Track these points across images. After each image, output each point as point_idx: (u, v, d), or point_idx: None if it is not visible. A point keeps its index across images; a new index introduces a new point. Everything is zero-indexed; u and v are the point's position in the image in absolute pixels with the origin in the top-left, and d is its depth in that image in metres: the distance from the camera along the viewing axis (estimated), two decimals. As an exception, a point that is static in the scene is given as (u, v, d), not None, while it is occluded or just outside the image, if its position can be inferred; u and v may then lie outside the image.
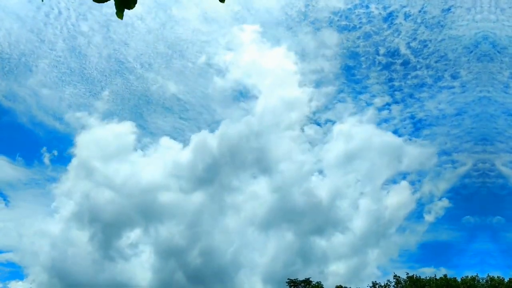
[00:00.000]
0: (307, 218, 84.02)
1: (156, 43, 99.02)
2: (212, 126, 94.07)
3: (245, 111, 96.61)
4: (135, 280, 78.51)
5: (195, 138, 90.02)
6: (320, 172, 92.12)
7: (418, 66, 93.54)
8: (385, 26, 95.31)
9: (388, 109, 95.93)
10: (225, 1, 5.58)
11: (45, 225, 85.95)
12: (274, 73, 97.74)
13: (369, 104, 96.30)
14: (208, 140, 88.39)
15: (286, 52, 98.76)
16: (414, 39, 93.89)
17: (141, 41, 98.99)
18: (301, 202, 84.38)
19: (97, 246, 79.86)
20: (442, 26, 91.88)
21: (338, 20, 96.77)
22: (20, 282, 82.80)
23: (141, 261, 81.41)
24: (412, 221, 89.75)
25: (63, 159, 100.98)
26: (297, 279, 61.62)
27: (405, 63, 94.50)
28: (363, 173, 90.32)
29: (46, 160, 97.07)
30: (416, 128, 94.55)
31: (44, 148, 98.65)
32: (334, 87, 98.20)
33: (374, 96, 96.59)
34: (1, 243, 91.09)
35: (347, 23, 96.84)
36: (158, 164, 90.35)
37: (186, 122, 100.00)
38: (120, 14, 5.25)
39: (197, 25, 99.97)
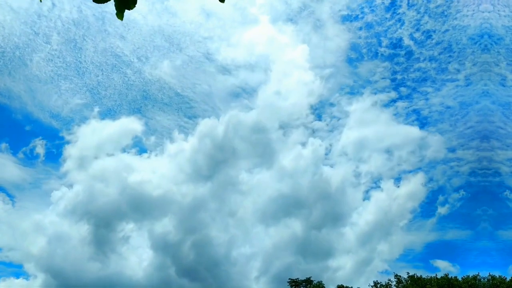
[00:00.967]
0: (309, 211, 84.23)
1: (153, 36, 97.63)
2: (213, 118, 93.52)
3: (246, 104, 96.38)
4: (135, 278, 78.61)
5: (194, 132, 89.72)
6: (318, 167, 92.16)
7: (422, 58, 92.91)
8: (387, 15, 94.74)
9: (393, 102, 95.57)
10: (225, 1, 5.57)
11: (41, 221, 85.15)
12: (277, 65, 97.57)
13: (372, 95, 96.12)
14: (207, 133, 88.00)
15: (288, 43, 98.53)
16: (417, 29, 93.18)
17: (138, 35, 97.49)
18: (303, 195, 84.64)
19: (95, 241, 79.59)
20: (446, 16, 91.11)
21: (339, 10, 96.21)
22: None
23: (138, 255, 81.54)
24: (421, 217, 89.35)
25: (57, 155, 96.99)
26: (298, 278, 62.64)
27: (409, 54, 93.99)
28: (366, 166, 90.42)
29: (41, 156, 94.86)
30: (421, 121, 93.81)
31: (38, 143, 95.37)
32: (337, 79, 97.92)
33: (377, 89, 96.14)
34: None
35: (349, 13, 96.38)
36: (157, 160, 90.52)
37: (185, 116, 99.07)
38: (120, 15, 5.25)
39: (195, 17, 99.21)
